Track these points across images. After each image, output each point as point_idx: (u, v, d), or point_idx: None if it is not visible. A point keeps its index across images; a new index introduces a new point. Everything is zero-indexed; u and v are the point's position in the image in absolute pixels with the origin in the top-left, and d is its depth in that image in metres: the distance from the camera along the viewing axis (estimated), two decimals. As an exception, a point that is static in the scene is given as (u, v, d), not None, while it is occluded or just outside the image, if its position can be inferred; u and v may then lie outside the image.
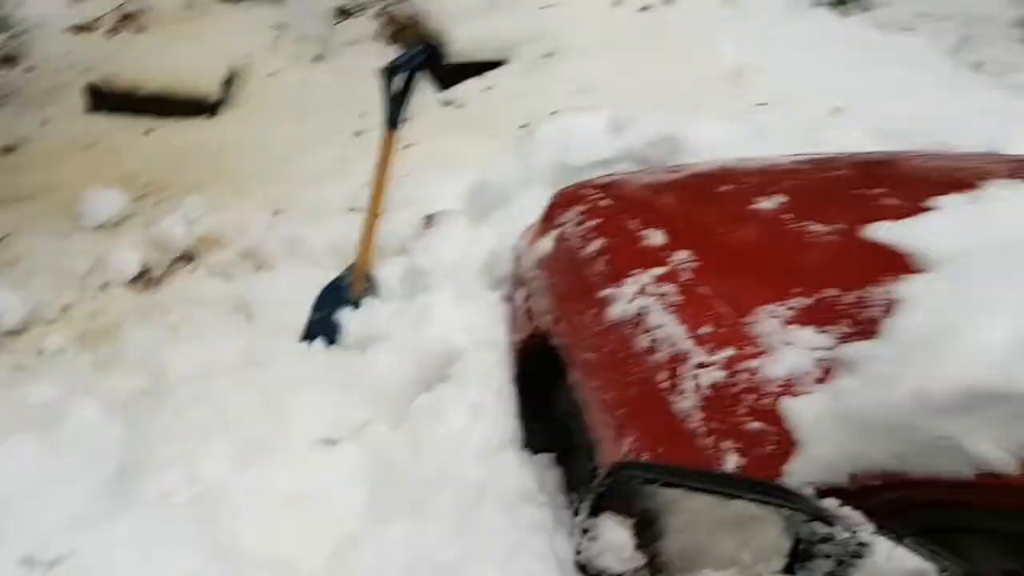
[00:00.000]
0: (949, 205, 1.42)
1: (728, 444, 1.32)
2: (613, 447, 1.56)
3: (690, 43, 4.81)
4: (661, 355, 1.55)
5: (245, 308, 3.41)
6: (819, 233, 1.73)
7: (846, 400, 1.11)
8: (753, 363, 1.40)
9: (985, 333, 0.94)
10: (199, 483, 2.12)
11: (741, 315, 1.52)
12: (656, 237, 1.86)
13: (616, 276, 1.81)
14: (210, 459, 2.18)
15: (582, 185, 2.30)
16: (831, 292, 1.53)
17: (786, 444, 1.23)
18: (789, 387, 1.32)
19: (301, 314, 2.97)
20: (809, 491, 1.09)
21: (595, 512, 1.24)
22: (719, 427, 1.36)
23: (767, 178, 2.06)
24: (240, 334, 3.15)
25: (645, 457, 1.46)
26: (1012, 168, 1.96)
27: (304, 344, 2.85)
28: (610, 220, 2.03)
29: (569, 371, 1.83)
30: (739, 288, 1.62)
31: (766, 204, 1.90)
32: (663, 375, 1.51)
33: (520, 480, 1.95)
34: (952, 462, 0.96)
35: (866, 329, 1.41)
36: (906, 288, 1.18)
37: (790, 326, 1.46)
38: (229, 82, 5.28)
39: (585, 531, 1.24)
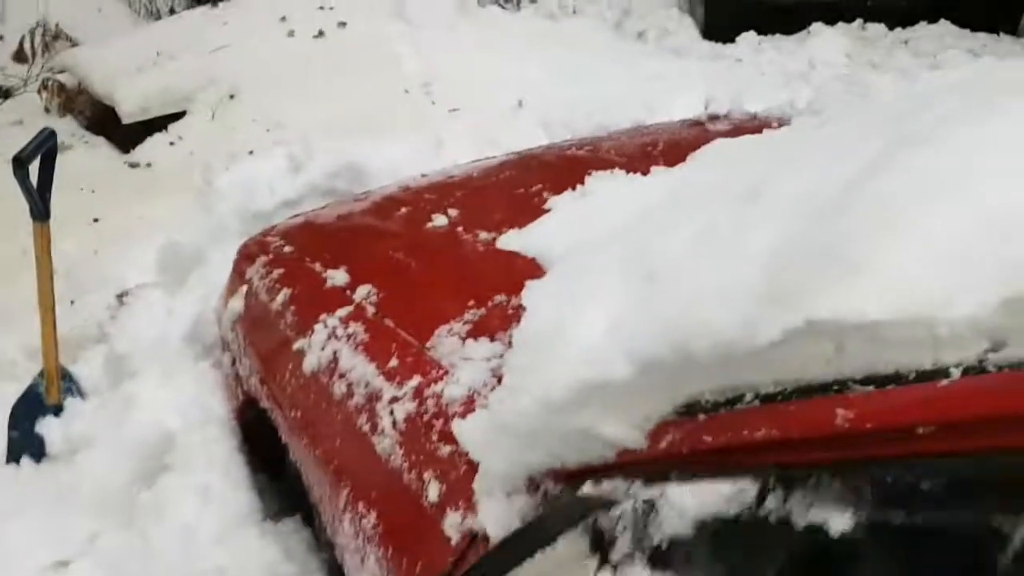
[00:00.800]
0: (561, 203, 1.53)
1: (429, 474, 1.35)
2: (331, 504, 1.54)
3: (373, 63, 4.84)
4: (358, 398, 1.55)
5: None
6: (485, 242, 1.81)
7: (497, 412, 1.16)
8: (437, 387, 1.43)
9: (585, 328, 1.02)
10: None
11: (423, 341, 1.56)
12: (338, 277, 1.85)
13: (305, 325, 1.78)
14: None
15: (264, 234, 2.24)
16: (501, 299, 1.60)
17: (473, 462, 1.27)
18: (471, 404, 1.37)
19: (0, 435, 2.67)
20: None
21: None
22: (418, 459, 1.38)
23: (436, 195, 2.11)
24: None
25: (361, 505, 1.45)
26: (628, 149, 2.15)
27: (10, 467, 2.57)
28: (293, 267, 1.99)
29: (281, 434, 1.79)
30: (419, 313, 1.65)
31: (436, 222, 1.96)
32: (363, 418, 1.52)
33: (262, 554, 1.88)
34: (596, 449, 1.04)
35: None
36: (526, 294, 1.25)
37: (467, 341, 1.51)
38: None
39: None
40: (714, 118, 2.81)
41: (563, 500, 0.97)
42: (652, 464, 0.99)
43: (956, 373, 0.74)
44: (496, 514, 1.18)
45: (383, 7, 5.31)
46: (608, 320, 0.99)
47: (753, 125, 2.51)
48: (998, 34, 6.92)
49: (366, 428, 1.50)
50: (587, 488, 0.99)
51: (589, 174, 1.64)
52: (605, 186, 1.53)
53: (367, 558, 1.42)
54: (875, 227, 0.83)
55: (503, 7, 6.60)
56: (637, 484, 0.95)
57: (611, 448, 1.03)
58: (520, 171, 2.10)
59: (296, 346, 1.76)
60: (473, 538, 1.23)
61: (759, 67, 6.09)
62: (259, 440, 2.09)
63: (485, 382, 1.39)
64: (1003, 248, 0.75)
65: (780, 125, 2.24)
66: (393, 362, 1.54)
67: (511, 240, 1.58)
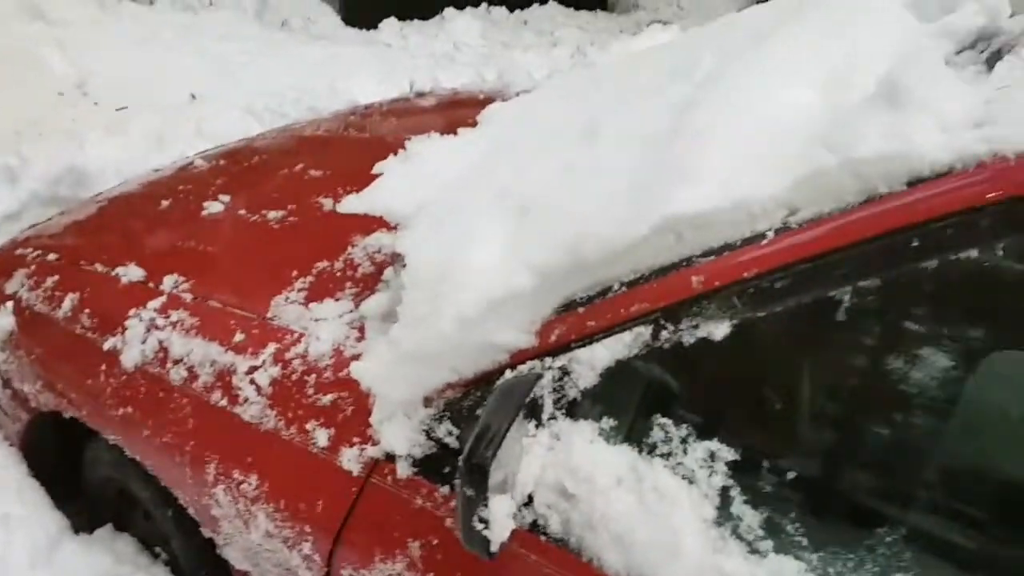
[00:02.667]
0: (389, 167, 1.73)
1: (312, 424, 1.48)
2: (195, 482, 1.59)
3: (16, 67, 4.40)
4: (206, 378, 1.61)
5: None
6: (284, 218, 1.92)
7: (399, 344, 1.35)
8: (299, 348, 1.56)
9: (478, 256, 1.26)
10: None
11: (262, 313, 1.65)
12: (132, 272, 1.84)
13: (111, 324, 1.76)
14: None
15: (8, 250, 2.10)
16: (324, 265, 1.75)
17: (362, 400, 1.44)
18: (341, 355, 1.52)
19: None
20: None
21: None
22: (296, 415, 1.50)
23: (203, 180, 2.15)
24: None
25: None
26: (416, 117, 2.37)
27: None
28: (68, 272, 1.92)
29: (103, 435, 1.76)
30: (245, 291, 1.73)
31: (218, 207, 2.02)
32: (218, 395, 1.58)
33: (91, 564, 1.83)
34: (493, 356, 1.28)
35: (369, 285, 1.67)
36: (397, 242, 1.44)
37: (311, 304, 1.64)
38: None
39: None
40: (420, 95, 3.10)
41: (502, 389, 1.20)
42: (543, 356, 1.26)
43: (771, 235, 1.11)
44: (399, 434, 1.37)
45: (15, 6, 4.81)
46: (500, 247, 1.23)
47: (464, 98, 2.84)
48: (595, 11, 8.05)
49: (223, 403, 1.57)
50: (508, 374, 1.22)
51: (408, 138, 1.83)
52: (427, 147, 1.73)
53: (254, 518, 1.51)
54: (695, 144, 1.17)
55: (135, 1, 6.25)
56: (548, 359, 1.21)
57: (505, 352, 1.28)
58: (313, 146, 2.21)
59: (107, 346, 1.74)
60: (376, 463, 1.40)
61: (408, 50, 6.50)
62: (53, 459, 1.99)
63: (347, 335, 1.55)
64: (786, 141, 1.12)
65: (485, 97, 2.59)
66: (239, 336, 1.61)
67: (352, 204, 1.73)
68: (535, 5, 7.76)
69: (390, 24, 7.05)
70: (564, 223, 1.19)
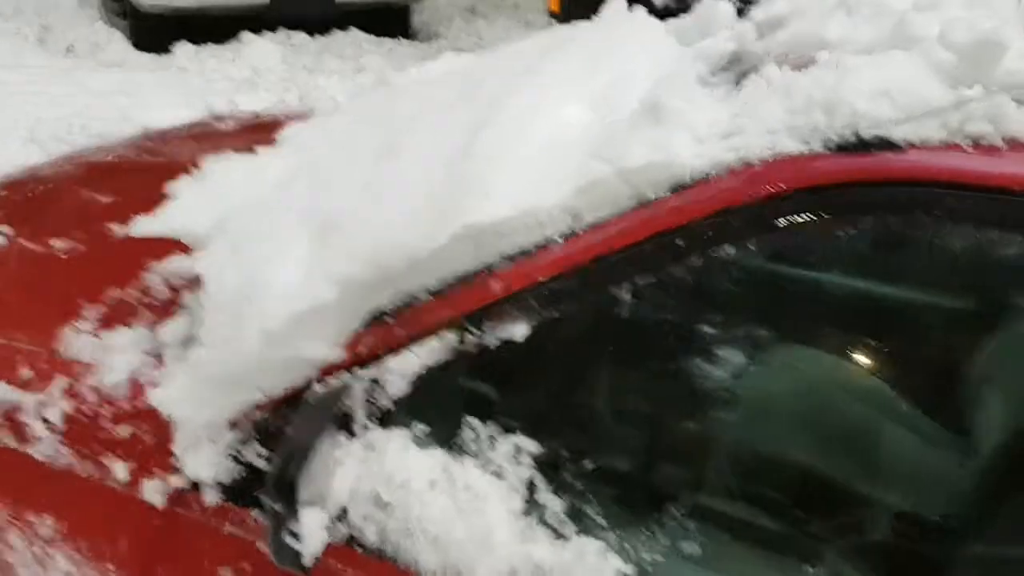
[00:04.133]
0: (182, 188, 1.68)
1: (110, 458, 1.41)
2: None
3: None
4: (-10, 418, 1.50)
5: None
6: (72, 246, 1.82)
7: (200, 368, 1.32)
8: (92, 380, 1.49)
9: (282, 273, 1.26)
10: None
11: (49, 346, 1.57)
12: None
13: None
14: None
15: None
16: (117, 293, 1.68)
17: (163, 430, 1.39)
18: (137, 384, 1.47)
19: None
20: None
21: None
22: (92, 449, 1.43)
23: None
24: None
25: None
26: (202, 140, 2.31)
27: None
28: None
29: None
30: (30, 325, 1.63)
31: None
32: (5, 434, 1.48)
33: None
34: (302, 371, 1.28)
35: (167, 310, 1.62)
36: (197, 265, 1.42)
37: (103, 334, 1.57)
38: None
39: None
40: (219, 118, 3.02)
41: (310, 402, 1.20)
42: (353, 367, 1.28)
43: (559, 240, 1.19)
44: (205, 461, 1.35)
45: None
46: (303, 263, 1.25)
47: (265, 121, 2.79)
48: (398, 38, 8.11)
49: (11, 443, 1.48)
50: (318, 386, 1.23)
51: (200, 159, 1.78)
52: (223, 167, 1.70)
53: (51, 561, 1.43)
54: (487, 161, 1.24)
55: None
56: (357, 369, 1.23)
57: (315, 366, 1.29)
58: (103, 172, 2.10)
59: None
60: (181, 493, 1.37)
61: (205, 75, 6.30)
62: None
63: (143, 363, 1.50)
64: (565, 154, 1.21)
65: (288, 119, 2.58)
66: (25, 372, 1.52)
67: (144, 227, 1.66)
68: (336, 31, 7.72)
69: (184, 48, 6.78)
70: (366, 236, 1.22)
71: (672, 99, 1.19)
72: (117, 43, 6.75)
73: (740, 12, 1.69)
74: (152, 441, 1.40)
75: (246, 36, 7.11)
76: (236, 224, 1.40)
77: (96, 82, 5.13)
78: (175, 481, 1.37)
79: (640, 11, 1.62)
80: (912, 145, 1.08)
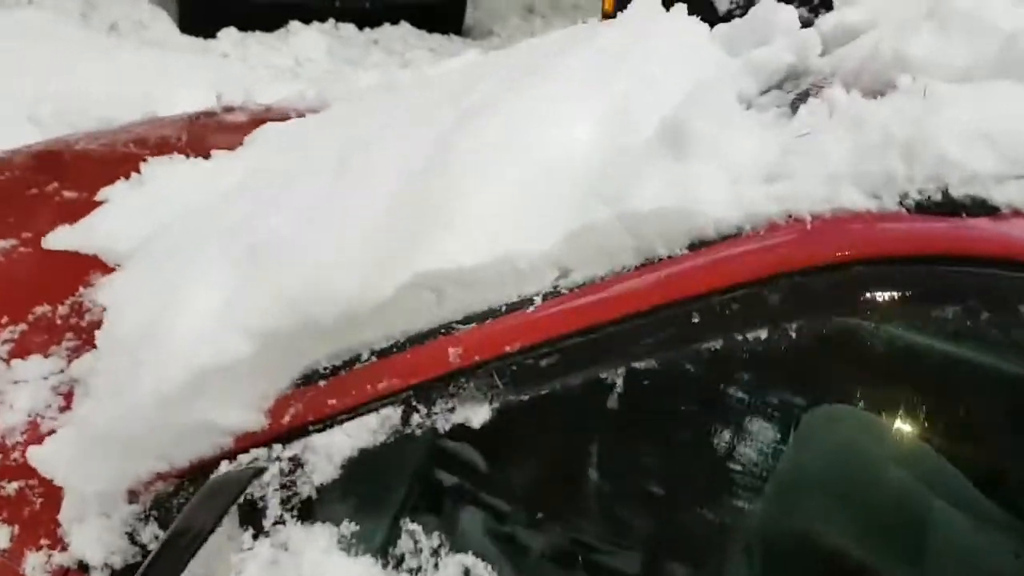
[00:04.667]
0: (116, 194, 1.43)
1: (-8, 519, 1.17)
2: None
3: None
4: None
5: None
6: (11, 248, 1.58)
7: (90, 425, 1.06)
8: (-15, 418, 1.24)
9: (191, 315, 1.00)
10: None
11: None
12: None
13: None
14: None
15: None
16: (45, 310, 1.43)
17: (55, 491, 1.14)
18: (37, 429, 1.22)
19: None
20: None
21: None
22: (-27, 505, 1.18)
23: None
24: None
25: None
26: (166, 136, 2.06)
27: None
28: None
29: None
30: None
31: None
32: None
33: None
34: (212, 439, 1.02)
35: (91, 339, 1.37)
36: (105, 292, 1.16)
37: (13, 362, 1.33)
38: None
39: None
40: (229, 109, 2.79)
41: (210, 485, 0.93)
42: (276, 440, 1.01)
43: (539, 300, 0.91)
44: (94, 537, 1.09)
45: None
46: (217, 303, 0.97)
47: (273, 115, 2.55)
48: (449, 35, 7.89)
49: None
50: (224, 467, 0.96)
51: (144, 160, 1.52)
52: (165, 172, 1.44)
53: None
54: (457, 187, 0.96)
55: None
56: (277, 447, 0.96)
57: (229, 435, 1.03)
58: (37, 168, 1.86)
59: None
60: (67, 573, 1.11)
61: (247, 62, 6.13)
62: None
63: (48, 403, 1.25)
64: (557, 187, 0.92)
65: (299, 114, 2.33)
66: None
67: (61, 238, 1.41)
68: (386, 25, 7.51)
69: (229, 34, 6.62)
70: (294, 275, 0.95)
71: (702, 121, 0.89)
72: (162, 23, 6.61)
73: (806, 25, 1.36)
74: (41, 504, 1.15)
75: (294, 25, 6.95)
76: (159, 243, 1.14)
77: (132, 62, 4.95)
78: (60, 558, 1.11)
79: (680, 9, 1.31)
80: (1017, 212, 0.78)
